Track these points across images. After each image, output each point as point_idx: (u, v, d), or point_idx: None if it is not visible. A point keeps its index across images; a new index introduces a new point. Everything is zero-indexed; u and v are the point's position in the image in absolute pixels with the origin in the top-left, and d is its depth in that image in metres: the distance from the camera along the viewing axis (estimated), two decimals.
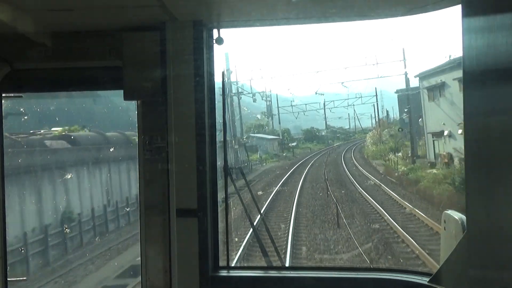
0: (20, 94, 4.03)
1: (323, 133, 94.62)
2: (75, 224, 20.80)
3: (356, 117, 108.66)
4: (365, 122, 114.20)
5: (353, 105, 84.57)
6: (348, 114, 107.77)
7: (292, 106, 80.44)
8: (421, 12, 3.52)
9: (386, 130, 64.41)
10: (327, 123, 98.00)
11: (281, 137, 72.27)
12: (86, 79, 3.89)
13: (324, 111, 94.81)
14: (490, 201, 2.37)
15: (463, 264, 2.76)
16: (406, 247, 16.50)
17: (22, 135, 20.65)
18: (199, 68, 3.60)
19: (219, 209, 3.84)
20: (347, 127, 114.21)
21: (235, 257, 15.31)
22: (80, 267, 17.29)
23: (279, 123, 76.37)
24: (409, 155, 43.47)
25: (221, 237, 3.86)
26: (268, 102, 74.25)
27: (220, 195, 3.83)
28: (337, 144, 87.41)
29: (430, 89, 39.82)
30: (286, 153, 67.74)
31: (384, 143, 57.31)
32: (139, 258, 3.74)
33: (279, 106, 78.68)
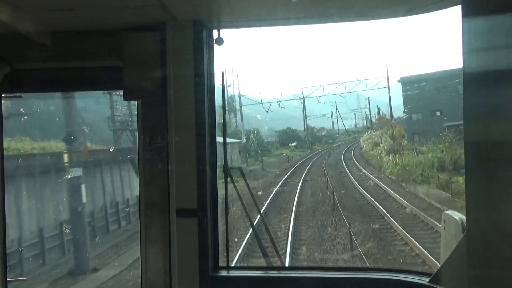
0: (20, 94, 4.03)
1: (301, 135, 73.34)
2: None
3: (338, 116, 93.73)
4: (347, 122, 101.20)
5: (340, 95, 66.56)
6: (331, 112, 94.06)
7: (262, 93, 69.47)
8: (421, 12, 3.52)
9: (396, 130, 46.88)
10: (306, 122, 77.40)
11: (244, 141, 50.70)
12: (86, 79, 3.89)
13: (304, 105, 74.92)
14: (490, 201, 2.37)
15: (463, 264, 2.76)
16: None
17: None
18: (199, 68, 3.60)
19: (219, 209, 3.84)
20: (329, 127, 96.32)
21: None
22: None
23: (242, 119, 55.31)
24: None
25: (221, 237, 3.86)
26: (230, 92, 52.49)
27: (220, 195, 3.83)
28: (322, 149, 67.44)
29: None
30: (252, 163, 45.99)
31: (415, 152, 38.56)
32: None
33: (241, 95, 59.18)
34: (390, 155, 40.52)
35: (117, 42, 3.60)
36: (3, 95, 3.85)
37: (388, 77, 58.08)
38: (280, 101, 65.85)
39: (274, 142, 66.12)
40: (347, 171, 37.90)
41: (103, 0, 3.24)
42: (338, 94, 67.00)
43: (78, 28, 3.70)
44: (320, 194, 27.84)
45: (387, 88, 53.95)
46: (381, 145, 46.88)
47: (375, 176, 34.07)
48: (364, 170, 38.31)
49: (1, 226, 3.84)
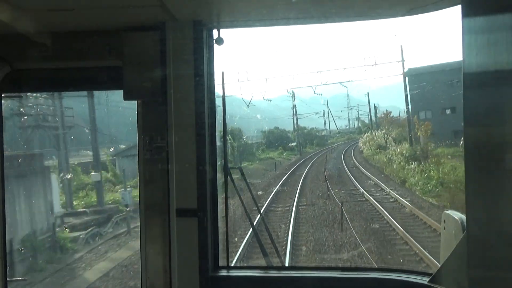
0: (20, 94, 4.03)
1: (291, 136, 62.67)
2: None
3: (330, 116, 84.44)
4: (338, 122, 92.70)
5: (341, 84, 52.03)
6: (323, 111, 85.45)
7: (250, 91, 57.85)
8: (421, 12, 3.52)
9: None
10: (297, 121, 64.63)
11: (219, 143, 28.19)
12: (86, 79, 3.89)
13: (294, 100, 64.33)
14: (490, 201, 2.37)
15: (463, 264, 2.76)
16: None
17: None
18: (199, 68, 3.60)
19: (219, 209, 3.84)
20: (320, 127, 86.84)
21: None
22: None
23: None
24: None
25: (221, 237, 3.86)
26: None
27: (220, 195, 3.84)
28: (314, 151, 57.92)
29: None
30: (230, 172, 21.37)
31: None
32: None
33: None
34: (413, 163, 29.07)
35: (117, 42, 3.60)
36: (3, 95, 3.86)
37: (403, 61, 41.85)
38: (265, 92, 54.33)
39: (260, 144, 55.76)
40: (361, 188, 26.03)
41: (103, 0, 3.24)
42: (339, 82, 50.69)
43: (78, 28, 3.70)
44: (332, 246, 15.82)
45: (402, 76, 41.12)
46: (394, 149, 37.23)
47: (409, 200, 21.96)
48: (386, 188, 25.60)
49: (1, 226, 3.84)
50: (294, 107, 64.75)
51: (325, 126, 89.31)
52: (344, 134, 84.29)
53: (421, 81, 39.96)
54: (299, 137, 61.55)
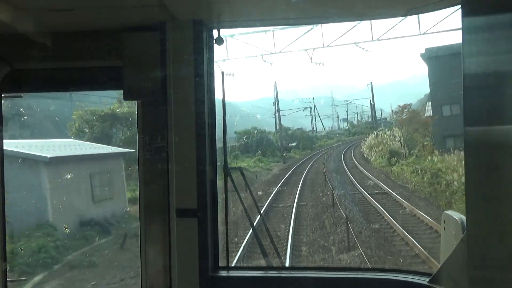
0: (20, 94, 4.04)
1: (272, 138, 48.29)
2: None
3: (317, 115, 71.96)
4: (325, 123, 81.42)
5: (357, 46, 33.03)
6: (310, 108, 73.32)
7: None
8: (421, 12, 3.53)
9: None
10: (280, 119, 50.36)
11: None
12: (86, 79, 3.90)
13: (276, 95, 49.64)
14: (490, 201, 2.37)
15: (463, 264, 2.76)
16: None
17: None
18: (199, 68, 3.61)
19: (219, 209, 3.84)
20: (307, 128, 72.16)
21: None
22: None
23: None
24: None
25: (221, 237, 3.86)
26: None
27: (220, 195, 3.84)
28: (301, 157, 45.69)
29: None
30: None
31: None
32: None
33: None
34: None
35: (117, 42, 3.61)
36: (3, 95, 3.86)
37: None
38: (224, 60, 32.80)
39: (233, 149, 42.84)
40: None
41: (103, 0, 3.24)
42: (355, 43, 29.83)
43: (78, 28, 3.70)
44: None
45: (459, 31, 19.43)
46: (446, 159, 23.87)
47: None
48: None
49: (1, 226, 3.84)
50: (276, 100, 49.15)
51: (312, 127, 75.11)
52: (333, 136, 74.14)
53: (444, 65, 30.49)
54: (282, 139, 47.89)
